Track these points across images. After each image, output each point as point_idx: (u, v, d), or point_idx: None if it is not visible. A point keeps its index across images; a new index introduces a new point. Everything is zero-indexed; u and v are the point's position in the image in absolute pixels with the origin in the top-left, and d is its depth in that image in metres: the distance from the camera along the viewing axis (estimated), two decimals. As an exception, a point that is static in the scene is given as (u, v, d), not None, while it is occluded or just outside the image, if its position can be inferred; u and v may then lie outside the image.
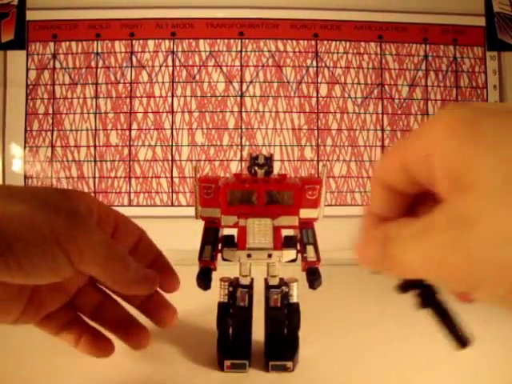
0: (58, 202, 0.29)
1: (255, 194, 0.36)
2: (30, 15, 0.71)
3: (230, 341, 0.40)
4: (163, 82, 0.72)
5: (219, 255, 0.38)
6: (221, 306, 0.39)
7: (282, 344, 0.39)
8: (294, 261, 0.38)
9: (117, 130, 0.71)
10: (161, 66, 0.72)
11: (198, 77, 0.72)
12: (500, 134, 0.19)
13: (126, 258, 0.30)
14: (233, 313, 0.39)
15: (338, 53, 0.74)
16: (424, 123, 0.22)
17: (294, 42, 0.73)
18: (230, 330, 0.40)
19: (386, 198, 0.25)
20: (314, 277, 0.37)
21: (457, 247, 0.20)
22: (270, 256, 0.37)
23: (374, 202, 0.26)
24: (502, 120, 0.19)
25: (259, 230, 0.36)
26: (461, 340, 0.25)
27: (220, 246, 0.39)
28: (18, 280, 0.27)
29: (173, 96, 0.72)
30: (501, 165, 0.19)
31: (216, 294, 0.39)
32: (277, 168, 0.71)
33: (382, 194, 0.25)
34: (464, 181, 0.20)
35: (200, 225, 0.39)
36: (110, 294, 0.37)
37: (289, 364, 0.38)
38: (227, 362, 0.38)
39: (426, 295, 0.26)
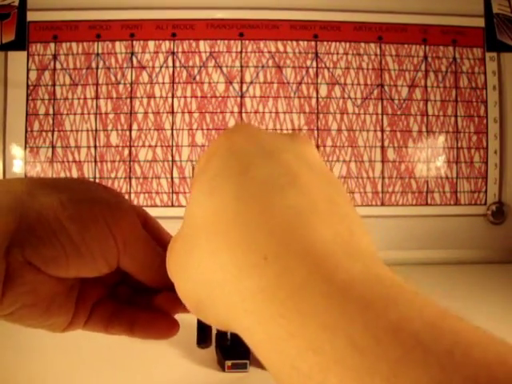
0: (109, 198, 0.30)
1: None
2: (31, 16, 0.71)
3: (230, 341, 0.40)
4: (163, 83, 0.72)
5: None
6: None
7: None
8: None
9: (117, 130, 0.72)
10: (161, 67, 0.72)
11: (198, 77, 0.73)
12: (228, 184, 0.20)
13: (162, 252, 0.30)
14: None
15: (337, 54, 0.74)
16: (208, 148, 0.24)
17: (294, 42, 0.73)
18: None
19: None
20: None
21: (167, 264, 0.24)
22: None
23: None
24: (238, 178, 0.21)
25: None
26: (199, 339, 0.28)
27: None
28: (73, 269, 0.27)
29: (173, 97, 0.72)
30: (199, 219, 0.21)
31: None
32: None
33: None
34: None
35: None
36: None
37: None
38: (228, 363, 0.38)
39: None
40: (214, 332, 0.40)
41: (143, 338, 0.31)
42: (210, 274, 0.19)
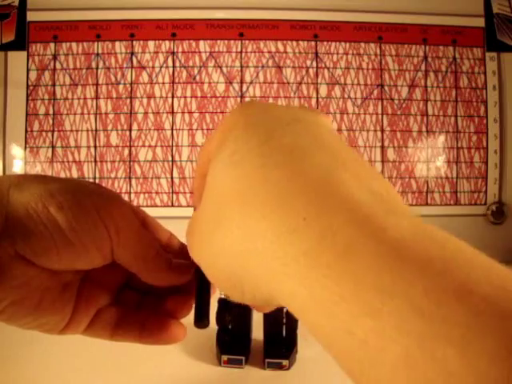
0: (98, 187, 0.30)
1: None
2: (31, 16, 0.71)
3: (229, 336, 0.40)
4: (163, 83, 0.72)
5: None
6: (220, 302, 0.39)
7: (280, 342, 0.40)
8: None
9: (117, 130, 0.72)
10: (161, 67, 0.72)
11: (198, 77, 0.73)
12: (245, 153, 0.20)
13: (157, 245, 0.30)
14: (232, 309, 0.39)
15: (337, 54, 0.74)
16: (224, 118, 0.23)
17: (294, 42, 0.73)
18: (230, 326, 0.40)
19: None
20: None
21: (189, 245, 0.24)
22: None
23: (197, 189, 0.26)
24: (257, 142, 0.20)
25: None
26: (197, 316, 0.27)
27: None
28: (65, 261, 0.26)
29: (173, 97, 0.72)
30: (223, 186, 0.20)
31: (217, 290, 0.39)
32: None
33: (202, 182, 0.25)
34: (204, 192, 0.22)
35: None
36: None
37: (285, 362, 0.38)
38: (224, 357, 0.39)
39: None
40: (212, 326, 0.40)
41: (150, 344, 0.31)
42: (243, 245, 0.19)
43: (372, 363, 0.14)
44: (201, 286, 0.28)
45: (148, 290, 0.33)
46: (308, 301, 0.16)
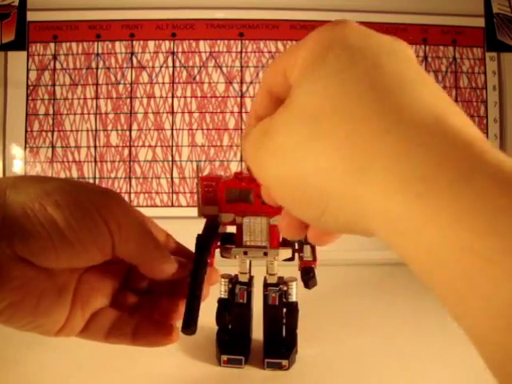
0: (94, 185, 0.30)
1: (252, 193, 0.37)
2: (31, 16, 0.71)
3: (229, 336, 0.40)
4: (163, 83, 0.72)
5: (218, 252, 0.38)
6: (220, 302, 0.39)
7: (280, 342, 0.40)
8: (291, 260, 0.39)
9: (117, 130, 0.72)
10: (161, 67, 0.72)
11: (198, 77, 0.73)
12: (338, 67, 0.20)
13: (157, 238, 0.31)
14: (232, 309, 0.39)
15: (337, 54, 0.74)
16: (306, 37, 0.22)
17: (294, 42, 0.73)
18: (230, 326, 0.40)
19: (270, 103, 0.24)
20: (308, 276, 0.37)
21: (257, 159, 0.22)
22: (265, 254, 0.37)
23: (259, 105, 0.25)
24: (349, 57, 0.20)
25: (255, 228, 0.36)
26: (185, 322, 0.27)
27: (219, 243, 0.39)
28: (64, 260, 0.26)
29: (173, 97, 0.72)
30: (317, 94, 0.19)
31: (217, 290, 0.39)
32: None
33: (266, 99, 0.24)
34: (286, 102, 0.21)
35: (200, 226, 0.39)
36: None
37: (284, 362, 0.38)
38: (224, 357, 0.39)
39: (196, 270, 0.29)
40: (212, 326, 0.40)
41: (144, 346, 0.31)
42: (345, 162, 0.18)
43: (491, 284, 0.14)
44: (192, 292, 0.28)
45: (146, 289, 0.33)
46: (418, 222, 0.16)
